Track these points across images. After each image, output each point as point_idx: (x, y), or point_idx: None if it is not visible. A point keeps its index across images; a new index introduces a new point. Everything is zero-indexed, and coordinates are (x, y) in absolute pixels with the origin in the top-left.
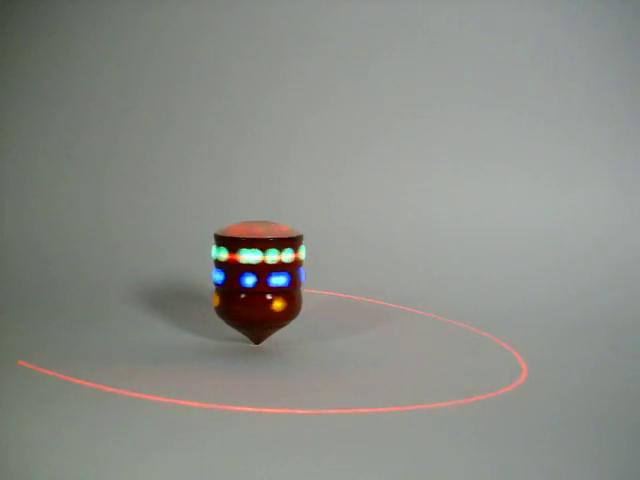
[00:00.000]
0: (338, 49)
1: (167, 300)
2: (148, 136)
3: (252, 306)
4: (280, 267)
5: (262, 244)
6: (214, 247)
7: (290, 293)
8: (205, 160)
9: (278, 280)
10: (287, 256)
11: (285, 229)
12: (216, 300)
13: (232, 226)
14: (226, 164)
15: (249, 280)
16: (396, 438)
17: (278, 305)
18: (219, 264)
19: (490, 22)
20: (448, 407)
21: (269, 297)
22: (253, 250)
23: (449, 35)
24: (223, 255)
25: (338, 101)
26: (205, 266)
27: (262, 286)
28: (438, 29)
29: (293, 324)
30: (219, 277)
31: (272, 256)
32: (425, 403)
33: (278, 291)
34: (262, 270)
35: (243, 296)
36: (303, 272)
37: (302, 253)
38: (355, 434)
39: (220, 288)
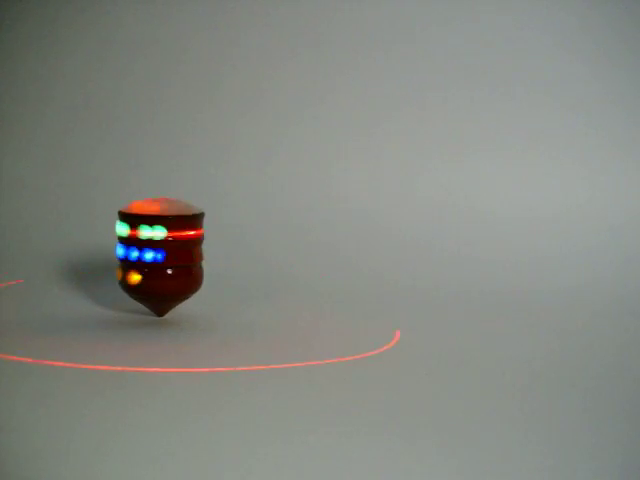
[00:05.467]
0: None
1: (81, 275)
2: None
3: (152, 280)
4: (179, 243)
5: (161, 221)
6: (117, 223)
7: (189, 268)
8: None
9: (178, 255)
10: (186, 232)
11: (185, 207)
12: (119, 274)
13: (134, 203)
14: (150, 147)
15: (148, 255)
16: (296, 392)
17: (178, 279)
18: (120, 239)
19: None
20: (336, 363)
21: (169, 271)
22: (151, 227)
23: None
24: (124, 230)
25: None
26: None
27: (162, 261)
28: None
29: (195, 296)
30: (121, 252)
31: (171, 232)
32: (318, 360)
33: (178, 266)
34: (161, 245)
35: (145, 270)
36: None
37: (202, 230)
38: (258, 389)
39: (122, 262)
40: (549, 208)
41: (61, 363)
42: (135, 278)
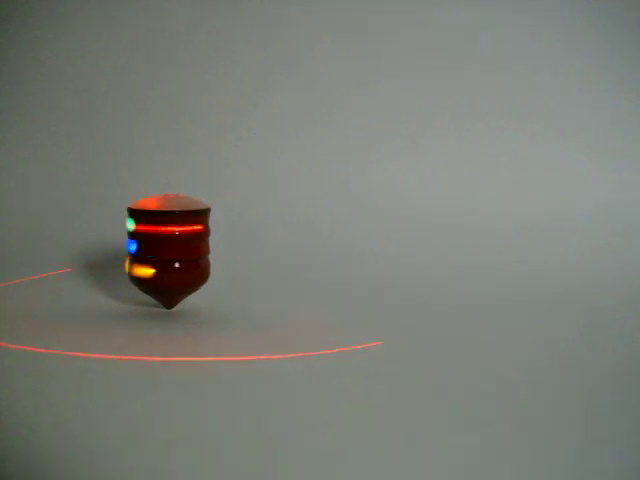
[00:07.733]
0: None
1: (85, 269)
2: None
3: (162, 273)
4: (187, 237)
5: (169, 217)
6: (127, 218)
7: (197, 262)
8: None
9: (186, 249)
10: (194, 227)
11: (194, 202)
12: (128, 267)
13: (143, 199)
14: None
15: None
16: (297, 382)
17: (186, 273)
18: (130, 234)
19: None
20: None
21: (177, 265)
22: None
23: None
24: (132, 225)
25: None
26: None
27: (170, 254)
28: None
29: (203, 289)
30: (131, 246)
31: (179, 227)
32: (308, 352)
33: (186, 259)
34: (170, 239)
35: (154, 264)
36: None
37: (208, 224)
38: (257, 378)
39: (131, 256)
40: (554, 214)
41: (63, 352)
42: (145, 272)
